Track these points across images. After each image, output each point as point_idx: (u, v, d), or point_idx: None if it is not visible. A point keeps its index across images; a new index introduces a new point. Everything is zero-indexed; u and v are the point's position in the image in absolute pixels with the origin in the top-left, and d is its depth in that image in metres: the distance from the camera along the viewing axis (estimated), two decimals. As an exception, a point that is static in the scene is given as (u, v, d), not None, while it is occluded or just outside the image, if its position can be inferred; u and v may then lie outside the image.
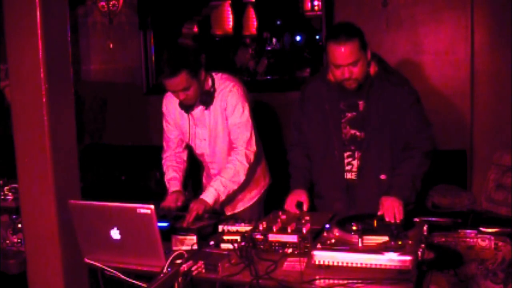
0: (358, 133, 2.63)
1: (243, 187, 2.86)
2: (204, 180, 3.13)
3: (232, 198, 2.89)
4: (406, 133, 2.59)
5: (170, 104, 2.91)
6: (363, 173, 2.64)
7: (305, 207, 2.60)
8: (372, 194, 2.53)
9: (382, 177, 2.61)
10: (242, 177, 2.74)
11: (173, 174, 2.94)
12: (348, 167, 2.67)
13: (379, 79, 2.59)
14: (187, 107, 2.81)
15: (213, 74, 2.84)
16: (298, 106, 2.80)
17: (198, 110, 2.83)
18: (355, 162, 2.66)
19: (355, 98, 2.61)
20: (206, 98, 2.77)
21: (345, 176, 2.68)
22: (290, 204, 2.61)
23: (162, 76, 2.63)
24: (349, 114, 2.64)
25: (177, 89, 2.65)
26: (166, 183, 2.94)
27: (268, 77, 5.23)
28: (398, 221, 2.28)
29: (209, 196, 2.63)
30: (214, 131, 2.85)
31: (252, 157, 2.79)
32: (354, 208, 2.62)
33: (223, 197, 2.69)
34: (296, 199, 2.62)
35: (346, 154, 2.67)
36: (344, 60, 2.46)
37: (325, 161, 2.71)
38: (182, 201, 2.80)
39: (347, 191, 2.68)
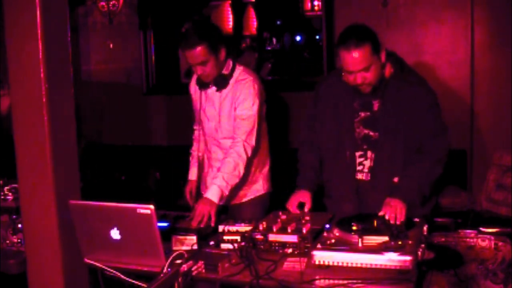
0: (371, 133, 2.57)
1: (245, 180, 2.86)
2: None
3: (235, 191, 2.89)
4: (421, 136, 2.50)
5: (194, 85, 3.02)
6: (375, 174, 2.57)
7: (306, 209, 2.58)
8: (383, 196, 2.42)
9: (395, 179, 2.51)
10: (242, 170, 2.74)
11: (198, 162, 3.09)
12: (359, 167, 2.60)
13: (395, 79, 2.52)
14: (202, 84, 2.88)
15: (237, 64, 2.89)
16: (311, 103, 2.75)
17: (212, 90, 2.89)
18: (366, 163, 2.59)
19: (370, 98, 2.54)
20: (221, 80, 2.82)
21: (356, 177, 2.61)
22: (292, 204, 2.59)
23: (182, 46, 2.74)
24: (363, 114, 2.57)
25: (195, 62, 2.73)
26: (191, 160, 3.14)
27: (269, 78, 5.22)
28: (398, 223, 2.26)
29: (213, 194, 2.62)
30: (223, 115, 2.86)
31: (250, 151, 2.78)
32: (364, 210, 2.55)
33: (226, 193, 2.68)
34: (299, 199, 2.60)
35: (358, 154, 2.60)
36: (355, 66, 2.39)
37: (336, 160, 2.64)
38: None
39: (357, 192, 2.61)
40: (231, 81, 2.84)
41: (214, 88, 2.87)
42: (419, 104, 2.50)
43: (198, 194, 3.06)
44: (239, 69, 2.87)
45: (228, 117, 2.85)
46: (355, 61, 2.37)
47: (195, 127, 3.16)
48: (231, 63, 2.87)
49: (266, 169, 3.03)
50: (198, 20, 2.83)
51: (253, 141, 2.80)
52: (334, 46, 2.48)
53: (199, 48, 2.68)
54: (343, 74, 2.49)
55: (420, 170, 2.47)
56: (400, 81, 2.52)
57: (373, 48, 2.39)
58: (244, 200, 2.98)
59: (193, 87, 3.02)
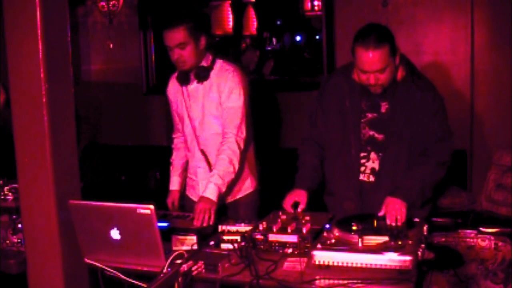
0: (377, 135, 2.56)
1: (238, 176, 2.86)
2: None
3: (230, 187, 2.87)
4: (426, 140, 2.50)
5: (173, 86, 3.00)
6: (378, 176, 2.56)
7: (300, 208, 2.57)
8: (384, 198, 2.41)
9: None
10: (236, 165, 2.73)
11: (179, 170, 3.10)
12: (361, 169, 2.60)
13: (405, 83, 2.51)
14: (182, 79, 2.87)
15: (217, 58, 2.88)
16: (316, 100, 2.72)
17: (193, 86, 2.87)
18: (368, 164, 2.59)
19: (378, 99, 2.53)
20: (201, 72, 2.81)
21: (358, 177, 2.60)
22: (286, 203, 2.59)
23: (163, 27, 2.75)
24: (370, 115, 2.56)
25: (173, 44, 2.72)
26: (172, 170, 3.12)
27: (271, 77, 5.22)
28: (399, 224, 2.26)
29: (212, 193, 2.63)
30: (207, 110, 2.84)
31: (242, 144, 2.78)
32: (366, 210, 2.55)
33: (223, 190, 2.69)
34: (294, 198, 2.60)
35: (361, 155, 2.59)
36: (371, 66, 2.35)
37: (339, 159, 2.63)
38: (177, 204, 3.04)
39: (360, 192, 2.61)
40: (212, 73, 2.83)
41: (195, 82, 2.85)
42: (427, 108, 2.49)
43: (182, 204, 3.06)
44: (219, 62, 2.87)
45: (215, 110, 2.82)
46: (372, 61, 2.34)
47: (174, 136, 3.15)
48: (210, 57, 2.86)
49: (253, 166, 3.02)
50: (180, 5, 2.86)
51: (244, 133, 2.79)
52: (353, 41, 2.41)
53: (178, 29, 2.68)
54: (355, 72, 2.48)
55: (424, 171, 2.47)
56: (409, 84, 2.51)
57: (391, 50, 2.36)
58: (236, 198, 2.97)
59: (172, 90, 3.00)
